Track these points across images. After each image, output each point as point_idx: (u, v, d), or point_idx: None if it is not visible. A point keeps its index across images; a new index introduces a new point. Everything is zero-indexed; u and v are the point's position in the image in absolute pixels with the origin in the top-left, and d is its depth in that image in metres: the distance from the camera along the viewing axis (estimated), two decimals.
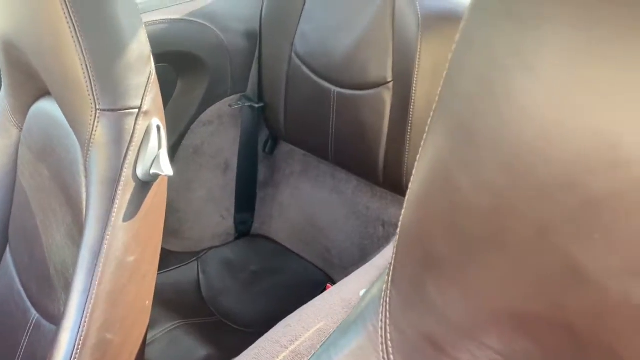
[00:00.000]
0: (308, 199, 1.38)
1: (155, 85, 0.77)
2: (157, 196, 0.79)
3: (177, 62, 1.26)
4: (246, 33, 1.31)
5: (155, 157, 0.75)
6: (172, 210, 1.37)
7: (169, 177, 1.34)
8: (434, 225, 0.41)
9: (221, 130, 1.35)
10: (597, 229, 0.31)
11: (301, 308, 0.93)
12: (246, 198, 1.43)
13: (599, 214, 0.31)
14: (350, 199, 1.29)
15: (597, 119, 0.30)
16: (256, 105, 1.32)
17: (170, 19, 1.23)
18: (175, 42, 1.24)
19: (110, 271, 0.72)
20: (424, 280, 0.44)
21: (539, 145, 0.33)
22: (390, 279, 0.50)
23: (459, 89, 0.39)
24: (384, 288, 0.51)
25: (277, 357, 0.83)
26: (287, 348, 0.84)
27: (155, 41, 1.24)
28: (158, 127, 0.76)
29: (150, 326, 1.15)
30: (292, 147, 1.40)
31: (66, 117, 0.76)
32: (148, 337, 1.13)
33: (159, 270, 1.31)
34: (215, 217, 1.41)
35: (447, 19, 0.96)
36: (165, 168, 0.75)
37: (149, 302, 0.82)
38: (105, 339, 0.72)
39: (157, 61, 1.25)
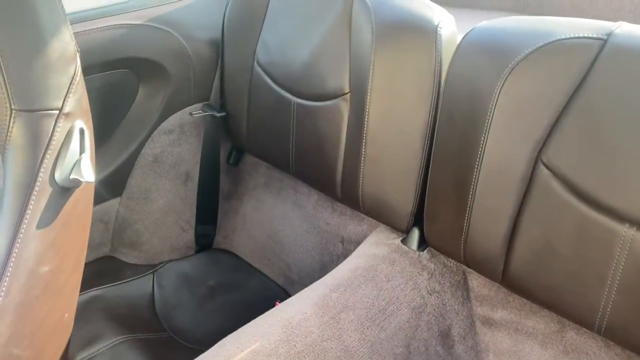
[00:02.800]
0: (270, 213, 1.34)
1: (81, 86, 0.73)
2: (80, 203, 0.75)
3: (138, 68, 1.23)
4: (209, 41, 1.28)
5: (76, 161, 0.71)
6: (129, 221, 1.32)
7: (128, 187, 1.33)
8: None
9: (182, 139, 1.31)
10: None
11: (241, 328, 0.89)
12: (208, 210, 1.38)
13: None
14: (311, 214, 1.25)
15: None
16: (218, 115, 1.28)
17: (132, 24, 1.20)
18: (137, 48, 1.21)
19: (19, 282, 0.67)
20: None
21: None
22: None
23: None
24: None
25: None
26: None
27: (116, 46, 1.22)
28: (81, 130, 0.73)
29: (93, 340, 1.11)
30: (256, 159, 1.36)
31: None
32: (90, 352, 1.08)
33: (111, 283, 1.28)
34: (175, 229, 1.36)
35: (400, 28, 0.93)
36: (87, 174, 0.71)
37: (68, 315, 0.77)
38: (12, 355, 0.68)
39: (117, 66, 1.24)
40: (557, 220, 0.78)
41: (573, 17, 0.80)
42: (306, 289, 0.95)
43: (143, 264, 1.33)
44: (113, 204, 1.31)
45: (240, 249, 1.41)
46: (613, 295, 0.75)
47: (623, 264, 0.73)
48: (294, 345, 0.83)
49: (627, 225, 0.72)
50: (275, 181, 1.33)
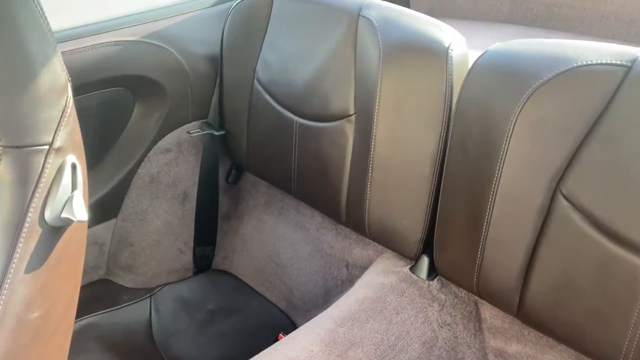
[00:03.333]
0: (271, 234, 1.29)
1: (73, 118, 0.69)
2: (72, 243, 0.70)
3: (134, 85, 1.19)
4: (207, 57, 1.23)
5: (67, 199, 0.66)
6: (125, 243, 1.28)
7: (123, 208, 1.28)
8: None
9: (180, 158, 1.27)
10: None
11: None
12: (206, 231, 1.34)
13: None
14: (314, 236, 1.21)
15: None
16: (217, 133, 1.24)
17: (127, 40, 1.15)
18: (132, 65, 1.16)
19: (6, 330, 0.63)
20: None
21: None
22: None
23: None
24: None
25: None
26: None
27: (111, 63, 1.17)
28: (73, 166, 0.68)
29: None
30: (256, 178, 1.31)
31: None
32: None
33: (106, 309, 1.23)
34: (172, 250, 1.32)
35: (408, 50, 0.88)
36: (79, 212, 0.66)
37: None
38: None
39: (112, 84, 1.19)
40: (577, 254, 0.74)
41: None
42: (311, 322, 0.90)
43: (140, 288, 1.29)
44: (108, 225, 1.26)
45: (240, 270, 1.36)
46: (638, 335, 0.71)
47: None
48: None
49: None
50: (277, 201, 1.28)
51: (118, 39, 1.14)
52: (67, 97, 0.67)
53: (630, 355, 0.73)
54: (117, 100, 1.20)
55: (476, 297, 0.94)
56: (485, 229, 0.82)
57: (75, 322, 1.16)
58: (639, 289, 0.70)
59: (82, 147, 0.72)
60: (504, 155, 0.77)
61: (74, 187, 0.67)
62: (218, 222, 1.36)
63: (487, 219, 0.81)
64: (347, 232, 1.14)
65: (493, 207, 0.80)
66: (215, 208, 1.34)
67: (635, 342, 0.72)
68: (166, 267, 1.32)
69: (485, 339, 0.93)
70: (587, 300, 0.74)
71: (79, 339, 1.13)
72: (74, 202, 0.66)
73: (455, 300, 0.94)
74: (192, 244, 1.34)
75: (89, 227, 1.24)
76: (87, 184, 0.73)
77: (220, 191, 1.34)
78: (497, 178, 0.79)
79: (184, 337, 1.21)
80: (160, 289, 1.30)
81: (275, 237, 1.29)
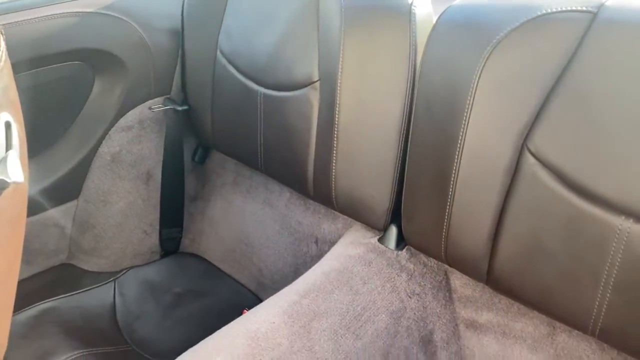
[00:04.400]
0: (240, 214, 1.25)
1: (6, 74, 0.64)
2: (10, 208, 0.66)
3: (93, 60, 1.14)
4: (169, 30, 1.19)
5: (1, 159, 0.62)
6: (87, 226, 1.23)
7: (85, 189, 1.23)
8: None
9: (143, 136, 1.22)
10: None
11: (202, 341, 0.80)
12: (172, 212, 1.29)
13: None
14: (283, 213, 1.17)
15: None
16: (179, 109, 1.19)
17: (84, 12, 1.10)
18: (91, 38, 1.11)
19: None
20: None
21: None
22: None
23: None
24: None
25: None
26: None
27: (68, 35, 1.12)
28: (8, 124, 0.63)
29: (46, 357, 1.01)
30: (223, 156, 1.27)
31: None
32: None
33: (67, 292, 1.18)
34: (137, 233, 1.27)
35: (370, 10, 0.85)
36: (14, 173, 0.61)
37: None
38: None
39: (69, 58, 1.14)
40: (545, 213, 0.71)
41: None
42: (274, 295, 0.87)
43: (103, 272, 1.24)
44: (69, 207, 1.21)
45: (209, 252, 1.32)
46: (608, 295, 0.68)
47: (619, 260, 0.66)
48: (261, 359, 0.74)
49: (622, 218, 0.65)
50: (245, 179, 1.24)
51: (76, 10, 1.09)
52: (1, 49, 0.63)
53: (601, 318, 0.70)
54: (76, 75, 1.15)
55: (446, 267, 0.91)
56: (452, 192, 0.79)
57: (33, 306, 1.12)
58: (608, 246, 0.67)
59: (19, 105, 0.67)
60: (469, 112, 0.74)
61: (8, 146, 0.63)
62: (185, 203, 1.32)
63: (454, 182, 0.78)
64: (316, 207, 1.11)
65: (459, 168, 0.77)
66: (181, 188, 1.29)
67: (606, 303, 0.69)
68: (131, 250, 1.27)
69: (455, 309, 0.90)
70: (557, 262, 0.72)
71: (38, 324, 1.08)
72: (9, 163, 0.61)
73: (425, 270, 0.91)
74: (157, 226, 1.29)
75: (48, 209, 1.19)
76: (27, 144, 0.69)
77: (186, 171, 1.30)
78: (462, 137, 0.76)
79: (149, 321, 1.16)
80: (124, 273, 1.25)
81: (243, 217, 1.25)
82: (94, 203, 1.22)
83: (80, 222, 1.22)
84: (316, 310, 0.82)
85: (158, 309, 1.20)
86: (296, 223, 1.14)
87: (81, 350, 1.03)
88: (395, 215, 0.93)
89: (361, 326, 0.82)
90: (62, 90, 1.14)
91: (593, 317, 0.71)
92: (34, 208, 1.15)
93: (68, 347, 1.03)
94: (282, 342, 0.77)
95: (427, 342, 0.88)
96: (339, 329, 0.81)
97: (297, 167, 1.02)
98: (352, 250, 0.94)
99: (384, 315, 0.84)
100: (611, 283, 0.68)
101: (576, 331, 0.79)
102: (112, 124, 1.19)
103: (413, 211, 0.87)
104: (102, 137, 1.19)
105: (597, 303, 0.70)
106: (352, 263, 0.90)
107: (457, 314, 0.90)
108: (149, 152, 1.24)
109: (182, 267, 1.30)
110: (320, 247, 1.10)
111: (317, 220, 1.10)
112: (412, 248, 0.93)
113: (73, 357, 1.01)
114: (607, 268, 0.68)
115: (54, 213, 1.20)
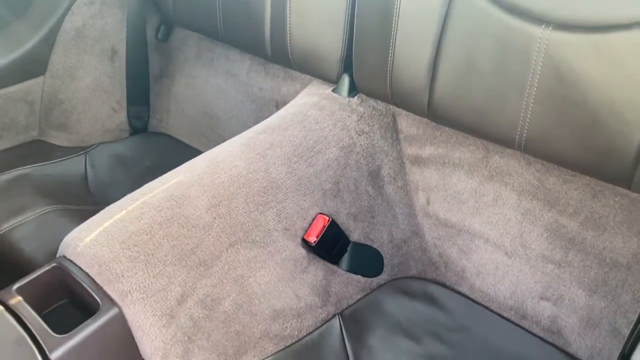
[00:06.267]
0: (204, 88, 1.30)
1: None
2: None
3: None
4: None
5: None
6: (55, 101, 1.26)
7: (51, 64, 1.26)
8: None
9: (105, 10, 1.24)
10: None
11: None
12: (139, 90, 1.33)
13: None
14: (244, 82, 1.22)
15: None
16: None
17: None
18: None
19: None
20: None
21: None
22: None
23: None
24: None
25: (127, 208, 0.77)
26: (137, 200, 0.78)
27: None
28: None
29: (20, 210, 1.07)
30: (186, 32, 1.30)
31: None
32: (15, 221, 1.04)
33: (38, 163, 1.23)
34: (105, 109, 1.31)
35: None
36: None
37: None
38: None
39: None
40: (477, 34, 0.78)
41: None
42: (231, 139, 0.93)
43: (74, 146, 1.29)
44: (37, 83, 1.25)
45: (177, 130, 1.37)
46: (531, 105, 0.76)
47: (540, 68, 0.73)
48: (218, 177, 0.81)
49: (543, 26, 0.72)
50: (206, 52, 1.28)
51: None
52: None
53: (525, 130, 0.78)
54: None
55: (393, 110, 0.98)
56: (395, 30, 0.85)
57: (7, 172, 1.16)
58: (531, 57, 0.74)
59: None
60: None
61: None
62: (150, 82, 1.36)
63: (396, 19, 0.84)
64: (275, 72, 1.16)
65: (400, 6, 0.83)
66: (146, 65, 1.33)
67: (530, 113, 0.76)
68: (100, 125, 1.31)
69: (402, 148, 0.97)
70: (488, 80, 0.79)
71: (12, 186, 1.13)
72: None
73: (374, 112, 0.97)
74: (125, 104, 1.33)
75: (15, 83, 1.22)
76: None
77: (150, 50, 1.33)
78: None
79: (120, 188, 1.22)
80: (95, 147, 1.30)
81: (207, 91, 1.29)
82: (61, 78, 1.25)
83: (48, 98, 1.26)
84: (271, 142, 0.88)
85: (128, 179, 1.25)
86: (257, 90, 1.19)
87: (55, 205, 1.08)
88: (348, 66, 0.99)
89: (313, 156, 0.89)
90: None
91: (519, 129, 0.78)
92: (0, 81, 1.18)
93: (42, 203, 1.08)
94: (239, 165, 0.83)
95: (375, 176, 0.95)
96: (293, 157, 0.87)
97: (255, 28, 1.06)
98: (307, 99, 1.00)
99: (334, 149, 0.92)
100: (534, 93, 0.75)
101: (507, 151, 0.87)
102: None
103: (363, 56, 0.93)
104: (65, 12, 1.21)
105: (522, 115, 0.77)
106: (307, 108, 0.96)
107: (403, 152, 0.97)
108: (113, 27, 1.26)
109: (151, 144, 1.35)
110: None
111: (277, 84, 1.16)
112: (363, 95, 0.99)
113: (47, 211, 1.07)
114: (529, 79, 0.75)
115: (22, 88, 1.23)
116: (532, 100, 0.75)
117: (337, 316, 0.87)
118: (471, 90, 0.81)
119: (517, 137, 0.79)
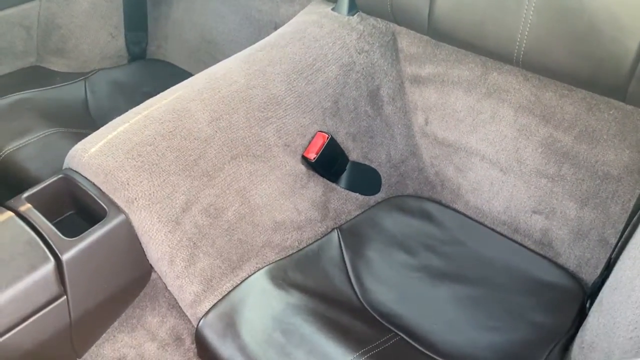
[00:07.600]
0: (202, 12, 1.28)
1: None
2: None
3: None
4: None
5: None
6: (52, 26, 1.25)
7: None
8: None
9: None
10: None
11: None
12: (136, 15, 1.32)
13: None
14: (243, 4, 1.20)
15: None
16: None
17: None
18: None
19: None
20: None
21: None
22: None
23: None
24: None
25: (130, 121, 0.78)
26: (139, 113, 0.80)
27: None
28: None
29: (23, 132, 1.09)
30: None
31: None
32: (19, 142, 1.06)
33: (38, 88, 1.23)
34: (103, 34, 1.30)
35: None
36: None
37: None
38: None
39: None
40: None
41: None
42: (236, 54, 0.93)
43: (73, 72, 1.29)
44: (33, 6, 1.23)
45: (175, 56, 1.37)
46: (530, 17, 0.76)
47: None
48: (219, 91, 0.82)
49: None
50: None
51: None
52: None
53: (524, 44, 0.78)
54: None
55: (394, 29, 0.97)
56: None
57: (9, 96, 1.17)
58: None
59: None
60: None
61: None
62: (148, 8, 1.34)
63: None
64: None
65: None
66: None
67: (528, 25, 0.76)
68: (99, 51, 1.31)
69: (402, 68, 0.98)
70: None
71: (14, 110, 1.14)
72: None
73: (374, 31, 0.97)
74: (123, 29, 1.32)
75: (11, 6, 1.21)
76: None
77: None
78: None
79: (121, 114, 1.23)
80: (94, 73, 1.30)
81: (206, 15, 1.28)
82: (57, 2, 1.24)
83: (45, 22, 1.25)
84: (270, 59, 0.89)
85: (128, 106, 1.25)
86: (256, 12, 1.18)
87: (57, 128, 1.10)
88: None
89: (312, 74, 0.90)
90: None
91: (517, 43, 0.78)
92: None
93: (44, 125, 1.10)
94: (238, 80, 0.84)
95: (374, 96, 0.96)
96: (292, 73, 0.88)
97: None
98: (306, 17, 0.99)
99: (334, 67, 0.92)
100: (533, 3, 0.74)
101: (505, 67, 0.87)
102: None
103: None
104: None
105: (520, 27, 0.77)
106: (305, 26, 0.96)
107: (402, 72, 0.97)
108: None
109: (150, 71, 1.35)
110: None
111: (276, 6, 1.15)
112: (363, 14, 0.98)
113: (49, 133, 1.08)
114: None
115: (18, 11, 1.22)
116: (532, 13, 0.75)
117: (335, 230, 0.90)
118: (471, 2, 0.80)
119: (516, 51, 0.79)
